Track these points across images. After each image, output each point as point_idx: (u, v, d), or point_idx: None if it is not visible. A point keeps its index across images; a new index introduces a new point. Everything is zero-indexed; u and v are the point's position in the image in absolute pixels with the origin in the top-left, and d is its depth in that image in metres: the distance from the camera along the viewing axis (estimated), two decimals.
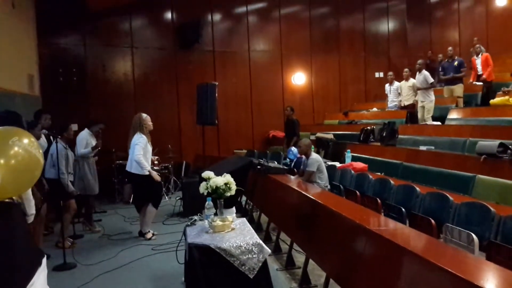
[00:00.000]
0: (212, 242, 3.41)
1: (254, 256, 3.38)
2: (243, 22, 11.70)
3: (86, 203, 6.67)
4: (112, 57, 10.49)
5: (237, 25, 11.69)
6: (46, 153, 5.65)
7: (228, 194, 3.88)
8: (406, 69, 9.76)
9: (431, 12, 14.35)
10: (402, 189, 4.88)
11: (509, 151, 5.07)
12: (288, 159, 8.14)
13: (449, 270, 2.02)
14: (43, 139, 6.08)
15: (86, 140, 6.52)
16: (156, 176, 5.97)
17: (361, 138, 8.74)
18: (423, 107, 8.91)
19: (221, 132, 11.22)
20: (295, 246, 4.66)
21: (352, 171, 6.31)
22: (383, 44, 13.28)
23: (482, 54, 9.42)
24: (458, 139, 6.71)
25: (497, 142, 5.24)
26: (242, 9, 11.67)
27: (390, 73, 10.61)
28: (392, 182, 5.19)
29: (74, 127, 6.74)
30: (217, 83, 8.81)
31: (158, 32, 10.91)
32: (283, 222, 5.06)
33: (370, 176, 5.75)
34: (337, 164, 7.21)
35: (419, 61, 9.31)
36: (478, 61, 9.46)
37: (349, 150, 7.66)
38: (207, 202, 3.87)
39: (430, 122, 8.51)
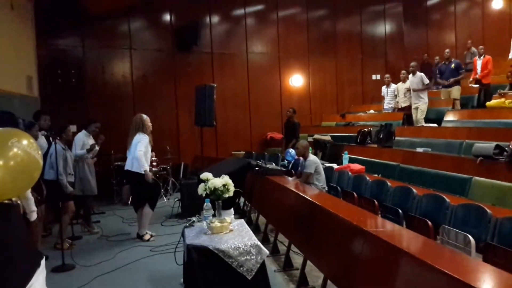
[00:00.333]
0: (210, 243, 3.42)
1: (252, 257, 3.39)
2: (241, 24, 11.72)
3: (85, 204, 6.68)
4: (111, 58, 10.49)
5: (235, 27, 11.71)
6: (46, 155, 5.66)
7: (226, 195, 3.89)
8: (403, 71, 9.79)
9: (427, 14, 14.41)
10: (399, 191, 4.91)
11: (505, 153, 5.09)
12: (286, 161, 8.15)
13: (446, 271, 2.03)
14: (43, 140, 6.08)
15: (82, 141, 6.53)
16: (148, 176, 5.93)
17: (358, 140, 8.77)
18: (416, 108, 8.96)
19: (219, 134, 11.23)
20: (293, 247, 4.67)
21: (350, 173, 6.34)
22: (380, 46, 13.32)
23: (484, 57, 9.44)
24: (454, 141, 6.74)
25: (493, 144, 5.27)
26: (240, 12, 11.70)
27: (387, 75, 10.65)
28: (389, 183, 5.21)
29: (73, 128, 6.76)
30: (215, 85, 8.82)
31: (156, 34, 10.92)
32: (281, 223, 5.08)
33: (367, 178, 5.78)
34: (335, 165, 7.23)
35: (413, 63, 9.37)
36: (479, 62, 9.48)
37: (346, 152, 7.69)
38: (205, 204, 3.88)
39: (423, 123, 8.55)
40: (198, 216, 4.13)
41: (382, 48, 13.34)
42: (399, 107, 9.86)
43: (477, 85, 9.39)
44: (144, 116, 6.12)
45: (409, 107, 9.47)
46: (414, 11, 14.00)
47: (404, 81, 9.61)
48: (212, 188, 3.84)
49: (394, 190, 5.00)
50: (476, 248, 3.24)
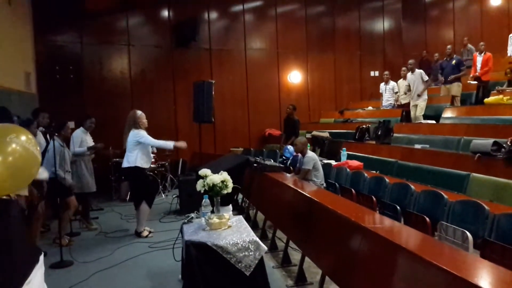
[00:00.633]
0: (208, 239, 3.43)
1: (250, 253, 3.40)
2: (239, 20, 11.70)
3: (84, 201, 6.68)
4: (109, 54, 10.47)
5: (233, 23, 11.69)
6: (44, 152, 5.65)
7: (225, 191, 3.90)
8: (404, 68, 9.75)
9: (426, 11, 14.39)
10: (397, 187, 4.92)
11: (503, 149, 5.10)
12: (284, 157, 8.16)
13: (444, 267, 2.04)
14: (41, 137, 6.07)
15: (80, 138, 6.51)
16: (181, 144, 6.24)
17: (357, 137, 8.78)
18: (415, 106, 8.94)
19: (218, 130, 11.23)
20: (291, 243, 4.68)
21: (348, 169, 6.34)
22: (378, 43, 13.31)
23: (485, 53, 9.41)
24: (452, 137, 6.75)
25: (491, 140, 5.27)
26: (238, 7, 11.68)
27: (386, 72, 10.65)
28: (387, 180, 5.22)
29: (71, 124, 6.74)
30: (213, 81, 8.81)
31: (154, 29, 10.90)
32: (279, 219, 5.09)
33: (366, 174, 5.78)
34: (333, 162, 7.24)
35: (410, 61, 9.31)
36: (479, 59, 9.45)
37: (344, 149, 7.70)
38: (204, 200, 3.89)
39: (422, 120, 8.55)
40: (196, 213, 4.13)
41: (380, 45, 13.33)
42: (399, 103, 9.86)
43: (475, 82, 9.39)
44: (139, 112, 6.10)
45: (409, 104, 9.47)
46: (413, 7, 13.99)
47: (405, 77, 9.59)
48: (211, 185, 3.84)
49: (392, 187, 5.01)
50: (474, 244, 3.26)
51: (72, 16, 9.82)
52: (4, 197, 2.24)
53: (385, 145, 7.79)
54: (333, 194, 5.23)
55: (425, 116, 8.80)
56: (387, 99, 10.34)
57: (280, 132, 10.89)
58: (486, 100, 8.09)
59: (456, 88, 9.07)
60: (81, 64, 10.08)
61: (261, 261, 3.47)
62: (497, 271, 2.09)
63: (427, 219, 3.87)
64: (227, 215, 3.85)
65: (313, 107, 12.51)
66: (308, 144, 6.55)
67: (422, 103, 8.85)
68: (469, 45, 11.65)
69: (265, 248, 3.52)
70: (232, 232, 3.62)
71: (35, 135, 5.58)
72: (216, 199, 3.94)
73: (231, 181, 3.95)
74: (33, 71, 9.12)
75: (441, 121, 8.17)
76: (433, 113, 8.79)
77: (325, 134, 9.33)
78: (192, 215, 4.10)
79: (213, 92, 8.58)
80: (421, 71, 9.04)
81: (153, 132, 6.35)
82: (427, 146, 6.80)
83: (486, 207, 3.52)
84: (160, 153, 9.21)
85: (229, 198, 4.38)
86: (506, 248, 2.95)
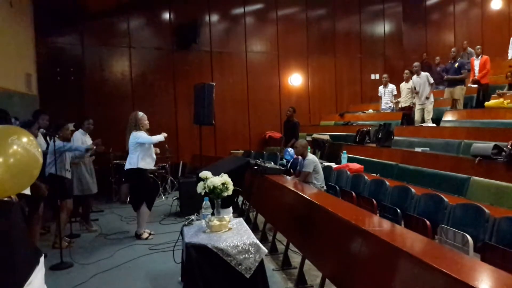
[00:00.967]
0: (209, 241, 3.43)
1: (250, 256, 3.40)
2: (240, 23, 11.73)
3: (84, 203, 6.68)
4: (110, 56, 10.49)
5: (234, 26, 11.72)
6: (45, 154, 5.64)
7: (225, 194, 3.90)
8: (406, 71, 9.68)
9: (426, 14, 14.42)
10: (397, 190, 4.91)
11: (503, 153, 5.10)
12: (284, 160, 8.16)
13: (444, 271, 2.04)
14: (41, 138, 6.07)
15: (80, 139, 6.50)
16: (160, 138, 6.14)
17: (357, 139, 8.78)
18: (422, 109, 8.87)
19: (218, 133, 11.24)
20: (291, 246, 4.68)
21: (348, 172, 6.34)
22: (379, 46, 13.34)
23: (482, 57, 9.43)
24: (453, 140, 6.75)
25: (491, 144, 5.28)
26: (239, 10, 11.70)
27: (385, 75, 10.65)
28: (387, 183, 5.22)
29: (70, 126, 6.73)
30: (214, 84, 8.82)
31: (155, 32, 10.93)
32: (279, 222, 5.08)
33: (366, 177, 5.78)
34: (333, 165, 7.24)
35: (416, 64, 9.23)
36: (476, 63, 9.47)
37: (345, 151, 7.69)
38: (204, 202, 3.89)
39: (430, 124, 8.48)
40: (197, 215, 4.13)
41: (381, 48, 13.36)
42: (400, 106, 9.85)
43: (476, 85, 9.40)
44: (140, 113, 6.12)
45: (410, 107, 9.47)
46: (413, 11, 14.01)
47: (407, 80, 9.53)
48: (211, 187, 3.85)
49: (393, 190, 5.01)
50: (474, 247, 3.25)
51: (73, 18, 9.85)
52: (5, 198, 2.24)
53: (386, 148, 7.80)
54: (334, 197, 5.22)
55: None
56: (386, 102, 10.34)
57: (281, 135, 10.90)
58: (486, 103, 8.09)
59: (459, 91, 9.02)
60: (82, 66, 10.10)
61: (261, 264, 3.47)
62: (498, 274, 2.09)
63: (428, 222, 3.87)
64: (227, 218, 3.85)
65: (314, 109, 12.52)
66: (309, 147, 6.55)
67: (429, 105, 8.73)
68: (469, 49, 11.66)
69: (265, 250, 3.53)
70: (233, 234, 3.62)
71: (36, 136, 5.58)
72: (217, 201, 3.94)
73: (232, 183, 3.96)
74: (34, 72, 9.13)
75: (442, 124, 8.17)
76: (434, 116, 8.78)
77: (326, 136, 9.33)
78: (193, 217, 4.11)
79: (213, 95, 8.59)
80: (427, 73, 8.98)
81: (154, 134, 6.36)
82: (428, 149, 6.80)
83: (486, 210, 3.52)
84: (160, 155, 9.21)
85: (229, 201, 4.39)
86: (507, 251, 2.94)
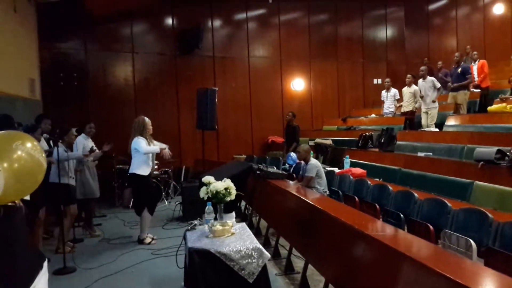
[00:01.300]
0: (212, 246, 3.42)
1: (253, 260, 3.40)
2: (243, 28, 11.77)
3: (87, 207, 6.69)
4: (113, 62, 10.54)
5: (237, 31, 11.76)
6: (48, 160, 5.66)
7: (228, 199, 3.90)
8: (409, 75, 9.63)
9: (429, 19, 14.43)
10: (400, 195, 4.91)
11: (506, 157, 5.10)
12: (287, 165, 8.16)
13: (448, 275, 2.04)
14: (44, 143, 6.09)
15: (82, 144, 6.52)
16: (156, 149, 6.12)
17: (360, 144, 8.77)
18: (426, 113, 8.81)
19: (221, 137, 11.26)
20: (294, 251, 4.67)
21: (351, 177, 6.34)
22: (381, 50, 13.35)
23: (478, 61, 9.45)
24: (456, 145, 6.74)
25: (494, 148, 5.27)
26: (242, 16, 11.75)
27: (387, 79, 10.65)
28: (390, 188, 5.21)
29: (73, 131, 6.75)
30: (217, 89, 8.84)
31: (158, 37, 10.98)
32: (282, 227, 5.08)
33: (369, 182, 5.78)
34: (336, 169, 7.23)
35: (423, 68, 9.14)
36: (475, 68, 9.50)
37: (347, 156, 7.70)
38: (207, 207, 3.89)
39: (433, 128, 8.47)
40: (199, 220, 4.13)
41: (383, 53, 13.37)
42: (402, 111, 9.84)
43: (478, 90, 9.40)
44: (146, 119, 6.14)
45: (412, 112, 9.44)
46: (416, 15, 14.02)
47: (409, 85, 9.50)
48: (214, 192, 3.84)
49: (396, 194, 5.01)
50: (478, 252, 3.24)
51: (77, 23, 9.90)
52: (9, 203, 2.25)
53: (389, 152, 7.79)
54: (336, 201, 5.22)
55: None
56: (388, 107, 10.33)
57: (283, 140, 10.90)
58: (489, 108, 8.09)
59: (462, 96, 9.00)
60: (85, 71, 10.14)
61: (264, 269, 3.46)
62: (501, 279, 2.08)
63: (431, 227, 3.86)
64: (230, 222, 3.85)
65: (316, 114, 12.53)
66: (311, 152, 6.56)
67: (434, 110, 8.68)
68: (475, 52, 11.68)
69: (268, 255, 3.52)
70: (235, 239, 3.62)
71: (38, 141, 5.60)
72: (219, 206, 3.94)
73: (234, 188, 3.96)
74: (38, 77, 9.18)
75: (445, 129, 8.17)
76: (437, 121, 8.76)
77: (328, 141, 9.33)
78: (195, 222, 4.10)
79: (216, 99, 8.61)
80: (433, 78, 8.93)
81: (157, 138, 6.39)
82: (431, 154, 6.80)
83: (490, 215, 3.51)
84: (162, 160, 9.22)
85: (232, 205, 4.38)
86: (510, 257, 2.94)
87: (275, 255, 5.19)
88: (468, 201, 4.96)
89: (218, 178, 4.07)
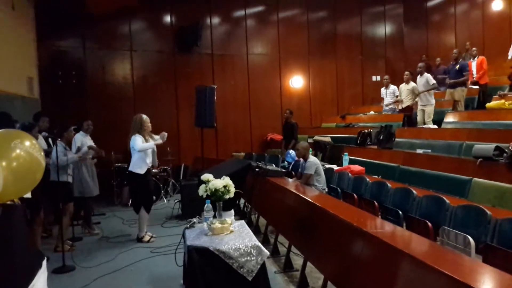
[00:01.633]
0: (211, 244, 3.43)
1: (252, 258, 3.40)
2: (241, 26, 11.75)
3: (85, 205, 6.69)
4: (112, 59, 10.52)
5: (235, 28, 11.74)
6: (46, 156, 5.65)
7: (227, 196, 3.90)
8: (407, 72, 9.65)
9: (427, 16, 14.41)
10: (399, 192, 4.92)
11: (505, 154, 5.10)
12: (286, 162, 8.16)
13: (446, 272, 2.05)
14: (42, 141, 6.09)
15: (80, 141, 6.51)
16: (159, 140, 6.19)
17: (358, 141, 8.78)
18: (423, 110, 8.84)
19: (220, 135, 11.25)
20: (293, 248, 4.68)
21: (350, 174, 6.34)
22: (380, 47, 13.34)
23: (478, 58, 9.44)
24: (454, 142, 6.74)
25: (493, 145, 5.28)
26: (240, 13, 11.73)
27: (386, 76, 10.66)
28: (389, 185, 5.22)
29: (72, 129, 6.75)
30: (215, 86, 8.84)
31: (157, 35, 10.96)
32: (281, 224, 5.09)
33: (367, 179, 5.78)
34: (335, 167, 7.24)
35: (420, 64, 9.18)
36: (473, 64, 9.49)
37: (346, 153, 7.70)
38: (206, 205, 3.89)
39: (431, 125, 8.48)
40: (198, 217, 4.14)
41: (382, 49, 13.37)
42: (400, 108, 9.85)
43: (476, 87, 9.39)
44: (144, 116, 6.14)
45: (410, 108, 9.46)
46: (414, 12, 14.01)
47: (407, 82, 9.52)
48: (213, 189, 3.84)
49: (394, 192, 5.01)
50: (476, 249, 3.25)
51: (75, 21, 9.87)
52: (8, 202, 2.25)
53: (387, 149, 7.79)
54: (335, 199, 5.22)
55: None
56: (388, 103, 10.34)
57: (282, 137, 10.90)
58: (488, 104, 8.08)
59: (459, 93, 9.02)
60: (83, 69, 10.13)
61: (263, 266, 3.47)
62: (500, 276, 2.09)
63: (429, 224, 3.87)
64: (229, 220, 3.86)
65: (315, 112, 12.53)
66: (310, 149, 6.56)
67: (429, 107, 8.71)
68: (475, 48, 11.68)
69: (267, 253, 3.52)
70: (234, 237, 3.62)
71: (36, 139, 5.59)
72: (218, 204, 3.94)
73: (233, 186, 3.96)
74: (36, 76, 9.16)
75: (443, 125, 8.16)
76: (435, 117, 8.77)
77: (327, 139, 9.34)
78: (194, 220, 4.11)
79: (215, 97, 8.60)
80: (428, 75, 8.96)
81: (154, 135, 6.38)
82: (429, 150, 6.80)
83: (488, 212, 3.52)
84: (161, 158, 9.22)
85: (231, 203, 4.38)
86: (509, 253, 2.94)
87: (274, 253, 5.20)
88: (466, 198, 4.97)
89: (217, 176, 4.08)
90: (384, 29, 13.42)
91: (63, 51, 9.99)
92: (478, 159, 5.36)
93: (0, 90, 6.80)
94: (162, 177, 9.37)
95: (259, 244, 3.48)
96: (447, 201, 4.07)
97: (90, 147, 6.48)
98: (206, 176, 4.01)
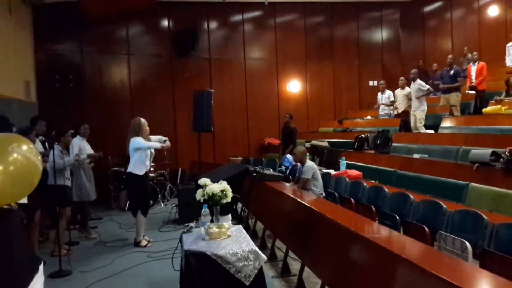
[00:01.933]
0: (208, 249, 3.42)
1: (250, 263, 3.39)
2: (239, 30, 11.78)
3: (83, 209, 6.67)
4: (109, 63, 10.53)
5: (233, 33, 11.77)
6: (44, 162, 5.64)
7: (224, 201, 3.90)
8: (402, 78, 9.76)
9: (424, 21, 14.48)
10: (396, 197, 4.92)
11: (501, 159, 5.12)
12: (283, 167, 8.16)
13: (443, 277, 2.05)
14: (39, 145, 6.08)
15: (78, 146, 6.51)
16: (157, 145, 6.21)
17: (356, 146, 8.79)
18: (414, 115, 8.94)
19: (217, 139, 11.26)
20: (290, 253, 4.68)
21: (347, 179, 6.35)
22: (377, 52, 13.39)
23: (478, 63, 9.45)
24: (451, 147, 6.76)
25: (489, 150, 5.29)
26: (238, 17, 11.77)
27: (382, 81, 10.73)
28: (386, 189, 5.22)
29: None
30: (213, 91, 8.85)
31: (154, 39, 10.98)
32: (278, 229, 5.08)
33: (365, 184, 5.79)
34: (332, 171, 7.25)
35: (413, 71, 9.31)
36: (473, 69, 9.50)
37: (343, 158, 7.71)
38: (203, 209, 3.88)
39: (423, 130, 8.56)
40: (195, 222, 4.12)
41: (379, 54, 13.41)
42: (396, 113, 9.90)
43: (473, 92, 9.42)
44: (142, 120, 6.16)
45: (407, 113, 9.51)
46: (411, 17, 14.08)
47: (402, 87, 9.62)
48: (210, 194, 3.84)
49: (391, 196, 5.02)
50: (473, 254, 3.26)
51: (72, 25, 9.88)
52: (5, 206, 2.24)
53: (384, 154, 7.80)
54: (332, 203, 5.22)
55: (424, 126, 8.80)
56: (383, 108, 10.40)
57: (279, 141, 10.92)
58: (484, 110, 8.11)
59: (454, 98, 9.08)
60: (81, 73, 10.13)
61: (260, 271, 3.45)
62: (496, 281, 2.10)
63: (426, 229, 3.87)
64: (226, 225, 3.84)
65: (312, 116, 12.55)
66: (307, 154, 6.56)
67: (420, 113, 8.81)
68: (470, 55, 11.72)
69: (265, 257, 3.51)
70: (232, 241, 3.61)
71: (33, 143, 5.58)
72: (216, 209, 3.94)
73: (231, 190, 3.96)
74: (33, 79, 9.15)
75: (440, 130, 8.19)
76: (432, 122, 8.81)
77: (324, 143, 9.35)
78: (192, 224, 4.09)
79: (212, 101, 8.62)
80: (420, 81, 9.05)
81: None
82: (426, 155, 6.81)
83: (485, 217, 3.52)
84: (159, 161, 9.21)
85: (228, 208, 4.39)
86: (505, 258, 2.95)
87: (272, 258, 5.19)
88: (463, 202, 4.97)
89: (215, 180, 4.08)
90: (381, 34, 13.48)
91: (60, 55, 9.99)
92: (475, 164, 5.38)
93: None
94: (159, 181, 9.35)
95: (257, 248, 3.47)
96: (444, 206, 4.07)
97: (89, 156, 6.50)
98: (203, 181, 4.01)
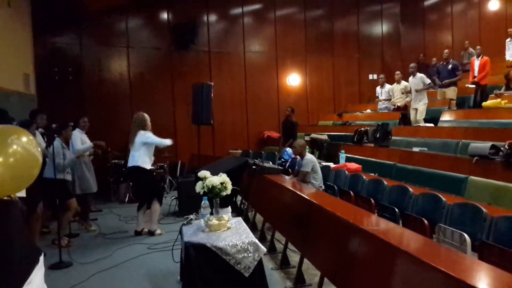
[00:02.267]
0: (208, 241, 3.44)
1: (249, 255, 3.41)
2: (238, 23, 11.74)
3: (84, 202, 6.68)
4: (108, 56, 10.49)
5: (232, 26, 11.72)
6: (44, 156, 5.64)
7: (224, 193, 3.91)
8: (397, 72, 9.86)
9: (424, 15, 14.45)
10: (395, 190, 4.93)
11: (500, 153, 5.13)
12: (282, 160, 8.17)
13: (442, 269, 2.06)
14: (40, 138, 6.07)
15: (79, 138, 6.52)
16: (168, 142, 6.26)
17: (355, 139, 8.79)
18: (415, 109, 8.96)
19: (216, 132, 11.26)
20: (290, 245, 4.69)
21: (346, 172, 6.36)
22: (376, 46, 13.36)
23: (482, 57, 9.38)
24: (451, 140, 6.78)
25: (489, 144, 5.30)
26: (237, 10, 11.71)
27: (382, 75, 10.74)
28: (385, 182, 5.24)
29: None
30: (212, 83, 8.84)
31: (154, 32, 10.92)
32: (278, 221, 5.10)
33: (364, 177, 5.80)
34: (331, 164, 7.25)
35: (412, 65, 9.37)
36: (476, 63, 9.44)
37: (343, 151, 7.71)
38: (203, 202, 3.90)
39: (422, 124, 8.58)
40: (195, 214, 4.14)
41: (379, 48, 13.38)
42: (395, 106, 9.91)
43: (473, 86, 9.41)
44: (146, 115, 6.22)
45: (405, 106, 9.54)
46: (411, 11, 14.04)
47: (399, 81, 9.67)
48: (210, 186, 3.86)
49: (391, 189, 5.03)
50: (472, 246, 3.27)
51: (72, 17, 9.84)
52: (5, 197, 2.24)
53: (384, 148, 7.81)
54: (332, 196, 5.24)
55: (423, 120, 8.83)
56: (383, 103, 10.41)
57: (279, 135, 10.92)
58: (484, 103, 8.12)
59: (451, 92, 9.12)
60: (80, 65, 10.09)
61: (260, 263, 3.48)
62: (495, 273, 2.11)
63: (426, 221, 3.89)
64: (226, 217, 3.86)
65: (312, 109, 12.54)
66: (307, 147, 6.57)
67: (421, 106, 8.85)
68: (471, 49, 11.70)
69: (264, 249, 3.53)
70: (231, 233, 3.63)
71: (34, 136, 5.57)
72: (215, 201, 3.95)
73: (230, 183, 3.97)
74: (32, 72, 9.13)
75: (440, 124, 8.20)
76: (431, 116, 8.82)
77: (324, 136, 9.36)
78: (191, 216, 4.11)
79: (212, 94, 8.61)
80: (422, 75, 9.08)
81: (152, 133, 6.38)
82: (426, 149, 6.82)
83: (484, 209, 3.54)
84: (159, 154, 9.19)
85: (228, 200, 4.40)
86: (504, 251, 2.96)
87: (271, 250, 5.21)
88: (462, 195, 4.99)
89: (214, 173, 4.09)
90: (381, 28, 13.44)
91: (59, 48, 9.95)
92: (474, 157, 5.39)
93: None
94: (159, 174, 9.36)
95: (256, 240, 3.49)
96: (443, 199, 4.08)
97: (96, 144, 6.56)
98: (203, 173, 4.02)
